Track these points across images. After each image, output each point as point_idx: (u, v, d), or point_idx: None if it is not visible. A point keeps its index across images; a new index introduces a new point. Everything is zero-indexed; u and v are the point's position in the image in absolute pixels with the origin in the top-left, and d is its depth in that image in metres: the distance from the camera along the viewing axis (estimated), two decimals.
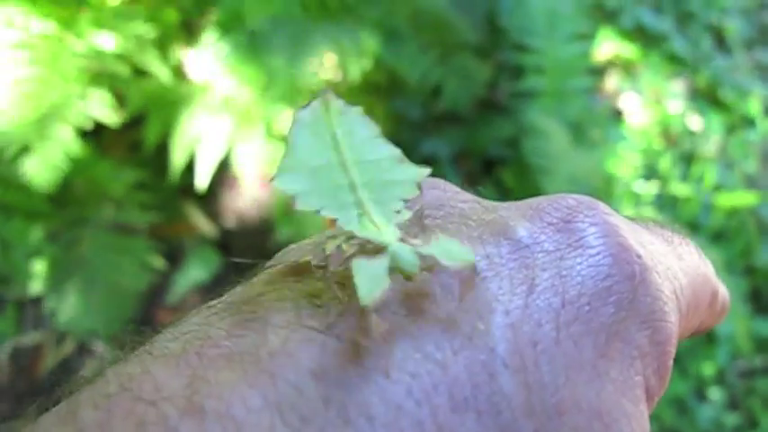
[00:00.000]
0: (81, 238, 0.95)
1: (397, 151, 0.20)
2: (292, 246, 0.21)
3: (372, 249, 0.17)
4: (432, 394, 0.15)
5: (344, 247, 0.18)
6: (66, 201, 0.96)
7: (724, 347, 1.16)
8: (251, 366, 0.15)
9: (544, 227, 0.19)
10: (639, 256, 0.19)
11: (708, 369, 1.14)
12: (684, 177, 1.33)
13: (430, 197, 0.20)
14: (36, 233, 0.90)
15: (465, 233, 0.19)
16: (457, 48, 1.09)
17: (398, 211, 0.18)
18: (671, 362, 0.19)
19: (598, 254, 0.18)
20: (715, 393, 1.12)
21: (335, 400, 0.15)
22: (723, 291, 0.24)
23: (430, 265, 0.17)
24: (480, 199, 0.21)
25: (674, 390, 1.09)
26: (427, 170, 0.19)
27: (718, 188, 1.32)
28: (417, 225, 0.19)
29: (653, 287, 0.18)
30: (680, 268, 0.21)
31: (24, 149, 0.81)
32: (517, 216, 0.19)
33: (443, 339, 0.16)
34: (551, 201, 0.20)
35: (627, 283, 0.18)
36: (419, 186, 0.19)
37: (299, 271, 0.18)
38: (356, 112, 0.20)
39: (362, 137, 0.20)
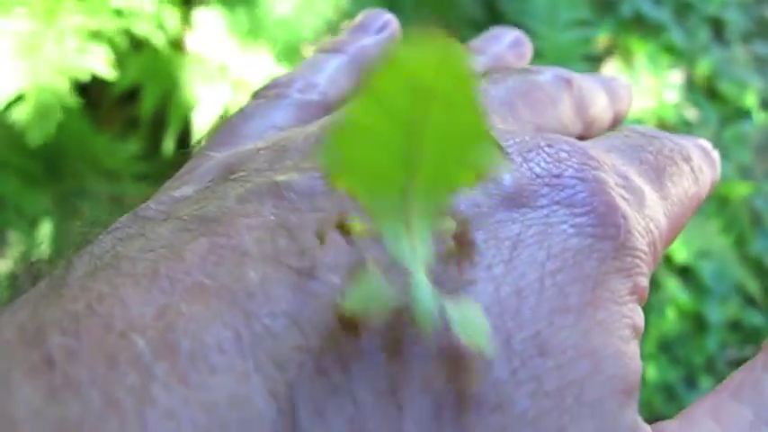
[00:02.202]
0: (78, 209, 0.95)
1: (480, 125, 0.15)
2: (252, 142, 0.21)
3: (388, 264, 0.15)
4: None
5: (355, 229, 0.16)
6: (62, 171, 0.95)
7: (714, 336, 1.16)
8: (227, 304, 0.15)
9: (533, 178, 0.19)
10: (624, 217, 0.19)
11: (698, 357, 1.15)
12: None
13: None
14: (34, 200, 0.89)
15: None
16: (459, 23, 1.09)
17: (444, 209, 0.16)
18: (642, 316, 0.19)
19: (584, 214, 0.19)
20: (705, 381, 1.13)
21: (312, 349, 0.15)
22: (710, 182, 0.25)
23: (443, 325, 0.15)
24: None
25: (664, 376, 1.10)
26: (501, 161, 0.17)
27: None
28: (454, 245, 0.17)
29: (633, 247, 0.19)
30: (663, 212, 0.21)
31: (18, 99, 0.81)
32: (505, 162, 0.19)
33: None
34: (544, 148, 0.20)
35: (610, 242, 0.18)
36: (480, 178, 0.16)
37: (278, 194, 0.18)
38: (459, 64, 0.15)
39: (458, 97, 0.15)
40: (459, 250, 0.16)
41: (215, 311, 0.15)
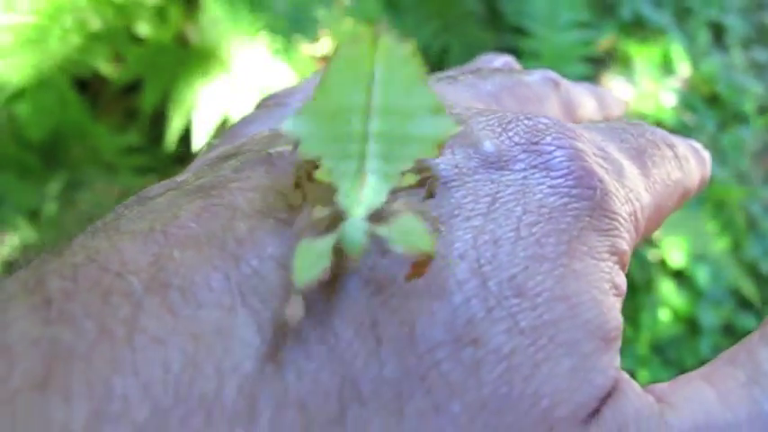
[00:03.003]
0: (76, 200, 0.95)
1: (434, 100, 0.18)
2: (258, 129, 0.22)
3: (338, 219, 0.16)
4: None
5: (317, 212, 0.17)
6: (60, 162, 0.95)
7: (707, 340, 1.17)
8: (216, 249, 0.16)
9: (512, 146, 0.20)
10: (601, 181, 0.19)
11: (690, 360, 1.15)
12: None
13: None
14: (30, 191, 0.90)
15: None
16: (463, 21, 1.10)
17: (404, 173, 0.17)
18: (625, 281, 0.19)
19: (561, 177, 0.19)
20: None
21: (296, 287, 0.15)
22: (699, 176, 0.25)
23: (384, 249, 0.16)
24: (457, 103, 0.22)
25: (656, 377, 1.10)
26: (456, 128, 0.18)
27: (710, 181, 1.33)
28: (420, 193, 0.18)
29: (610, 210, 0.19)
30: (644, 187, 0.22)
31: (19, 94, 0.81)
32: (485, 129, 0.20)
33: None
34: (523, 120, 0.21)
35: (586, 203, 0.19)
36: (440, 146, 0.18)
37: (270, 162, 0.19)
38: (405, 49, 0.18)
39: (401, 78, 0.18)
40: (417, 200, 0.17)
41: (205, 256, 0.16)
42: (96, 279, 0.15)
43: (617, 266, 0.19)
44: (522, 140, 0.20)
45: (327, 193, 0.16)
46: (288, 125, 0.17)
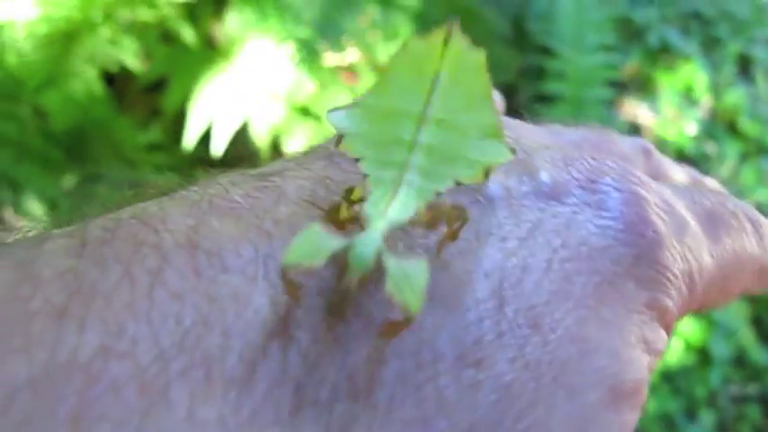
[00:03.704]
0: (95, 194, 0.96)
1: (493, 121, 0.17)
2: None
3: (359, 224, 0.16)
4: None
5: (344, 209, 0.16)
6: (83, 156, 0.96)
7: (718, 371, 1.16)
8: (253, 225, 0.16)
9: (569, 180, 0.19)
10: (655, 231, 0.19)
11: (700, 390, 1.14)
12: None
13: None
14: (51, 182, 0.91)
15: None
16: (487, 37, 1.10)
17: (440, 194, 0.16)
18: (665, 340, 0.18)
19: (611, 218, 0.19)
20: (705, 415, 1.12)
21: (317, 275, 0.16)
22: None
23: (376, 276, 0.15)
24: (524, 137, 0.21)
25: (665, 407, 1.09)
26: (509, 156, 0.17)
27: None
28: (444, 220, 0.17)
29: (657, 261, 0.18)
30: (709, 251, 0.21)
31: (46, 83, 0.82)
32: (547, 162, 0.19)
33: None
34: (588, 159, 0.20)
35: (631, 250, 0.18)
36: (486, 174, 0.17)
37: (330, 158, 0.19)
38: (475, 58, 0.17)
39: (465, 90, 0.17)
40: (448, 234, 0.17)
41: (242, 228, 0.16)
42: (133, 232, 0.16)
43: (654, 322, 0.18)
44: (581, 177, 0.19)
45: (361, 195, 0.16)
46: (335, 117, 0.17)
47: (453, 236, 0.17)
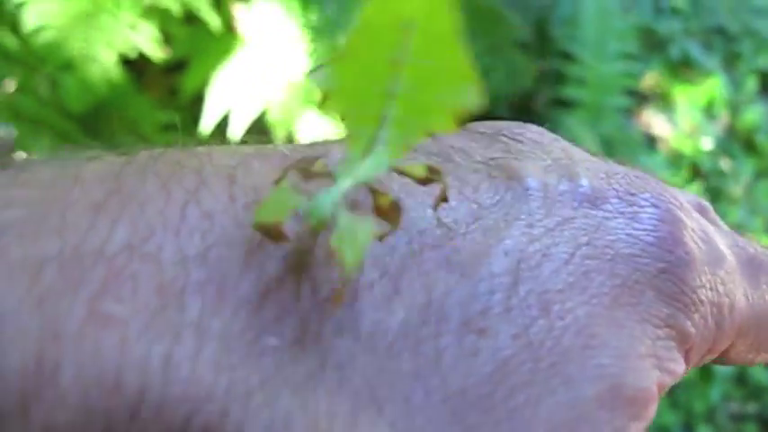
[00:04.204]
0: None
1: (463, 63, 0.16)
2: None
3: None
4: None
5: (320, 164, 0.16)
6: (99, 132, 0.96)
7: (718, 387, 1.15)
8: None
9: (607, 189, 0.19)
10: (687, 253, 0.18)
11: (699, 405, 1.14)
12: None
13: (520, 131, 0.21)
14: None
15: (533, 159, 0.19)
16: (506, 43, 1.09)
17: (412, 147, 0.16)
18: (680, 363, 0.18)
19: (643, 231, 0.18)
20: (703, 430, 1.12)
21: None
22: None
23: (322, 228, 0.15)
24: (574, 152, 0.21)
25: (662, 420, 1.09)
26: (478, 99, 0.16)
27: (738, 228, 1.32)
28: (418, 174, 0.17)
29: (683, 280, 0.18)
30: (745, 293, 0.20)
31: (66, 66, 0.82)
32: (589, 171, 0.19)
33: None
34: (632, 175, 0.20)
35: (657, 264, 0.18)
36: (457, 121, 0.16)
37: None
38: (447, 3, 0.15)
39: (434, 35, 0.16)
40: (440, 195, 0.17)
41: (278, 171, 0.16)
42: (178, 159, 0.17)
43: (671, 341, 0.18)
44: (621, 188, 0.19)
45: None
46: (316, 78, 0.16)
47: (443, 197, 0.17)
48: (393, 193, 0.16)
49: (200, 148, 0.18)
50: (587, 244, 0.18)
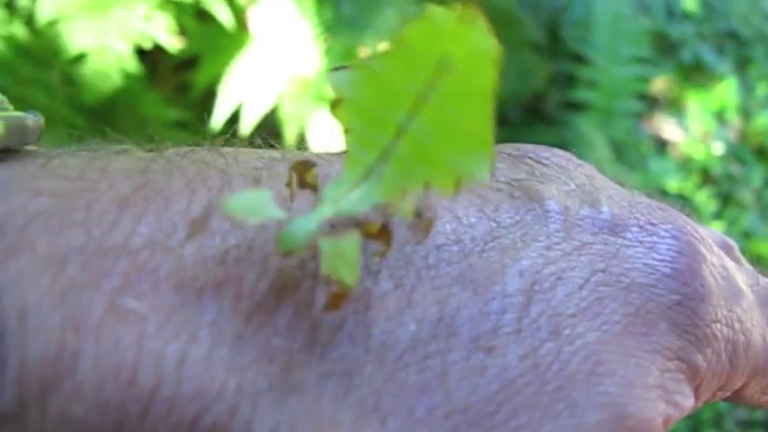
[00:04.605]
0: None
1: (485, 129, 0.14)
2: None
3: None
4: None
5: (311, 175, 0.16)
6: (109, 126, 0.96)
7: None
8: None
9: (629, 218, 0.19)
10: (703, 286, 0.18)
11: (706, 412, 1.13)
12: (718, 216, 1.32)
13: (544, 154, 0.20)
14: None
15: (556, 183, 0.19)
16: (519, 44, 1.09)
17: (405, 195, 0.15)
18: (689, 398, 0.18)
19: (661, 261, 0.18)
20: None
21: None
22: None
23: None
24: (598, 179, 0.21)
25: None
26: (485, 176, 0.15)
27: (747, 234, 1.31)
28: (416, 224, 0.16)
29: (697, 314, 0.18)
30: (763, 334, 0.20)
31: (80, 57, 0.83)
32: (612, 199, 0.19)
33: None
34: (654, 207, 0.20)
35: (672, 296, 0.18)
36: (456, 187, 0.15)
37: None
38: (489, 50, 0.14)
39: (467, 84, 0.14)
40: (417, 228, 0.16)
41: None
42: (204, 158, 0.17)
43: (680, 375, 0.18)
44: (642, 218, 0.19)
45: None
46: (335, 78, 0.15)
47: (420, 238, 0.16)
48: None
49: (226, 149, 0.18)
50: (603, 270, 0.18)
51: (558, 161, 0.20)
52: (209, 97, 0.97)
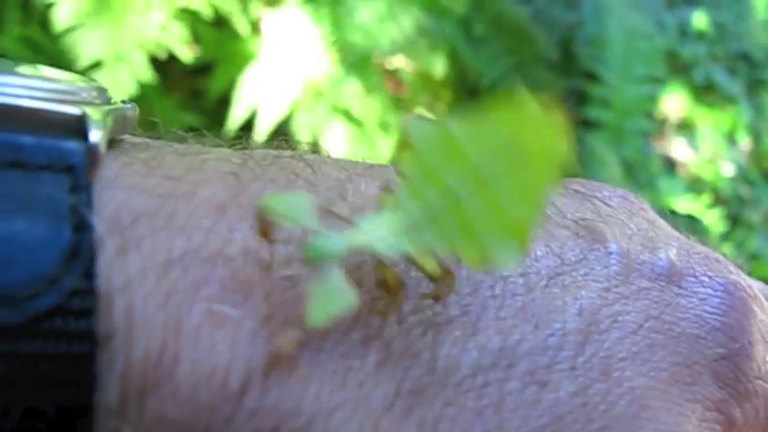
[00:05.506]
0: None
1: (527, 221, 0.15)
2: None
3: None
4: None
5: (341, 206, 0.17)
6: None
7: None
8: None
9: (686, 267, 0.19)
10: (750, 343, 0.19)
11: None
12: (726, 237, 1.32)
13: (609, 196, 0.21)
14: None
15: (619, 225, 0.20)
16: (533, 61, 1.09)
17: (431, 254, 0.16)
18: None
19: (711, 314, 0.19)
20: None
21: None
22: None
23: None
24: (659, 224, 0.21)
25: None
26: (511, 265, 0.17)
27: (755, 256, 1.31)
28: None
29: (740, 369, 0.19)
30: None
31: (95, 65, 0.83)
32: (671, 246, 0.20)
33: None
34: (713, 257, 0.20)
35: (718, 349, 0.19)
36: (480, 265, 0.16)
37: None
38: (559, 148, 0.15)
39: (525, 172, 0.15)
40: (437, 287, 0.16)
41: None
42: (293, 168, 0.17)
43: (716, 425, 0.18)
44: (699, 269, 0.20)
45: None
46: (413, 125, 0.16)
47: (436, 296, 0.16)
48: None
49: (310, 156, 0.18)
50: (656, 318, 0.18)
51: (622, 203, 0.21)
52: (222, 103, 0.97)
